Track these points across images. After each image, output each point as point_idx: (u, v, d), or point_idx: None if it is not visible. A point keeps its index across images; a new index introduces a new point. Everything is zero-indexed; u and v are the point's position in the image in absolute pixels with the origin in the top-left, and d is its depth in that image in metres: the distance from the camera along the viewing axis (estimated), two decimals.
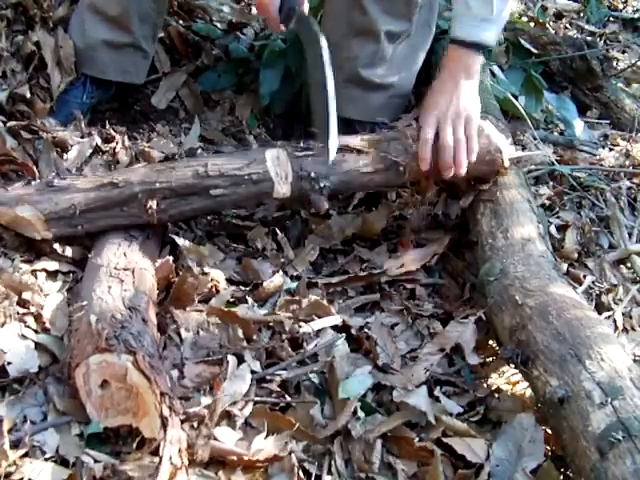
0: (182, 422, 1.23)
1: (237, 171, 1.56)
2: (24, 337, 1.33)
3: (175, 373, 1.36)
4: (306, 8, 1.72)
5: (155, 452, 1.19)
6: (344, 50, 1.96)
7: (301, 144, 1.63)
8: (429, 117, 1.70)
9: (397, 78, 2.04)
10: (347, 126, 2.06)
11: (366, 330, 1.56)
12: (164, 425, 1.19)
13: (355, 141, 1.68)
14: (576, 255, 1.88)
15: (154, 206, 1.52)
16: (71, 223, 1.50)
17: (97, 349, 1.21)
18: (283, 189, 1.58)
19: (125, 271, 1.42)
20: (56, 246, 1.52)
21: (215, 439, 1.24)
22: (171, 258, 1.57)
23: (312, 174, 1.59)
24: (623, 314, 1.73)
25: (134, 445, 1.20)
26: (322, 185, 1.60)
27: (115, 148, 1.85)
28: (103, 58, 1.98)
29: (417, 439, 1.33)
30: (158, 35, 2.09)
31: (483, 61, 1.77)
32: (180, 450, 1.17)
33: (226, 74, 2.26)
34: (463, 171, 1.68)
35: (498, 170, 1.75)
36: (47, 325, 1.38)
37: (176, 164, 1.58)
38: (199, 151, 1.93)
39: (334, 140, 1.58)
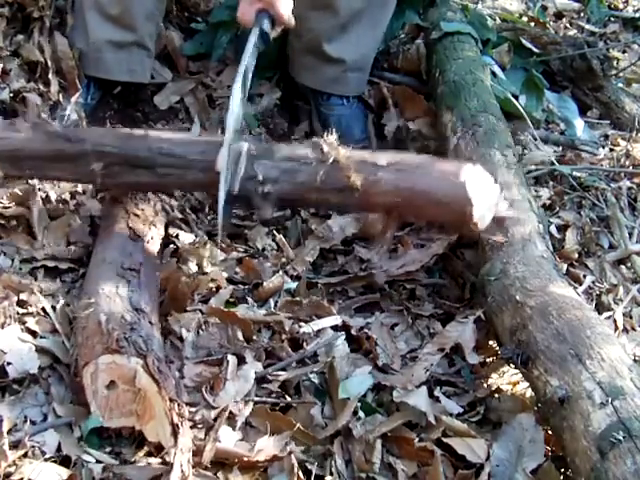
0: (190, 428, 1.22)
1: (190, 155, 1.48)
2: (24, 338, 1.34)
3: (176, 373, 1.36)
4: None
5: (151, 454, 1.19)
6: (305, 21, 2.02)
7: (263, 143, 1.59)
8: None
9: (353, 54, 2.09)
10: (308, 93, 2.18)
11: (366, 330, 1.56)
12: (175, 433, 1.18)
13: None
14: (576, 255, 1.88)
15: (98, 169, 1.48)
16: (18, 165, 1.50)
17: (107, 349, 1.21)
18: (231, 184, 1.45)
19: (131, 271, 1.42)
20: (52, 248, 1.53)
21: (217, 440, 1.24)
22: (174, 260, 1.57)
23: (260, 177, 1.43)
24: (623, 314, 1.73)
25: (134, 446, 1.20)
26: (265, 190, 1.44)
27: None
28: (108, 58, 1.98)
29: (417, 439, 1.33)
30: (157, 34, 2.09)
31: None
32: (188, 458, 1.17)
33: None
34: None
35: (466, 222, 1.41)
36: (47, 325, 1.38)
37: (133, 133, 1.57)
38: None
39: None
